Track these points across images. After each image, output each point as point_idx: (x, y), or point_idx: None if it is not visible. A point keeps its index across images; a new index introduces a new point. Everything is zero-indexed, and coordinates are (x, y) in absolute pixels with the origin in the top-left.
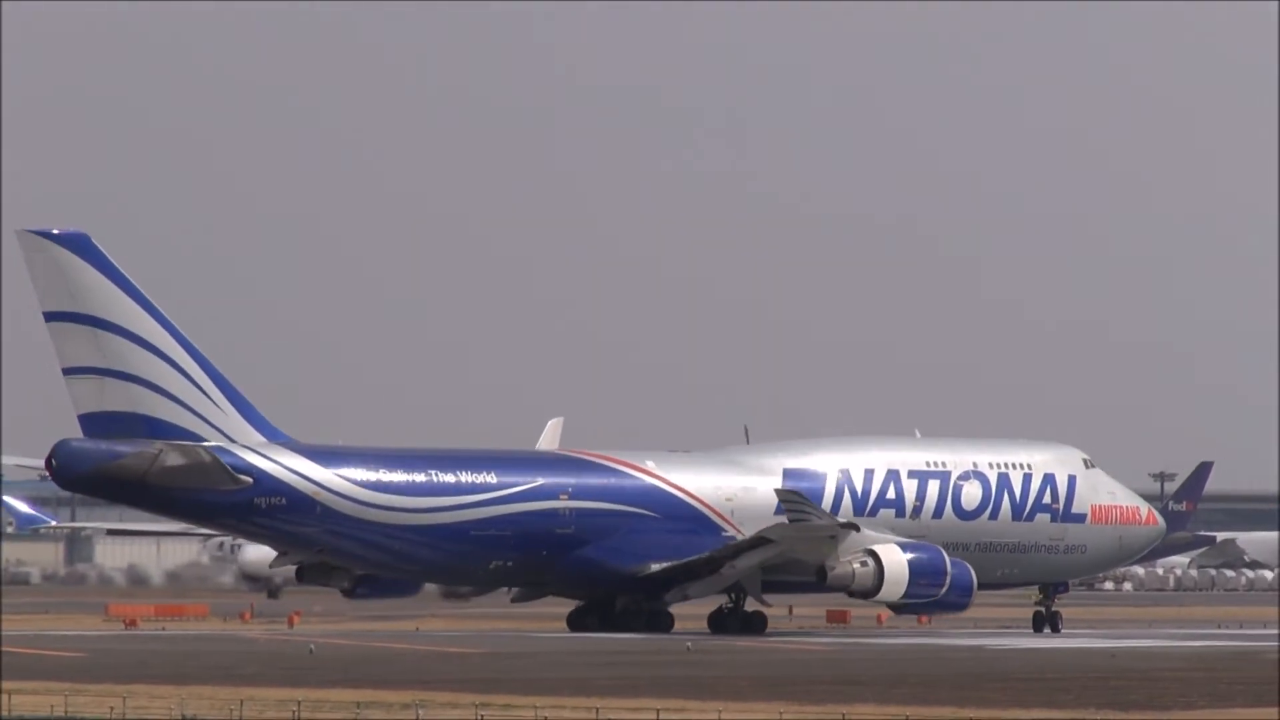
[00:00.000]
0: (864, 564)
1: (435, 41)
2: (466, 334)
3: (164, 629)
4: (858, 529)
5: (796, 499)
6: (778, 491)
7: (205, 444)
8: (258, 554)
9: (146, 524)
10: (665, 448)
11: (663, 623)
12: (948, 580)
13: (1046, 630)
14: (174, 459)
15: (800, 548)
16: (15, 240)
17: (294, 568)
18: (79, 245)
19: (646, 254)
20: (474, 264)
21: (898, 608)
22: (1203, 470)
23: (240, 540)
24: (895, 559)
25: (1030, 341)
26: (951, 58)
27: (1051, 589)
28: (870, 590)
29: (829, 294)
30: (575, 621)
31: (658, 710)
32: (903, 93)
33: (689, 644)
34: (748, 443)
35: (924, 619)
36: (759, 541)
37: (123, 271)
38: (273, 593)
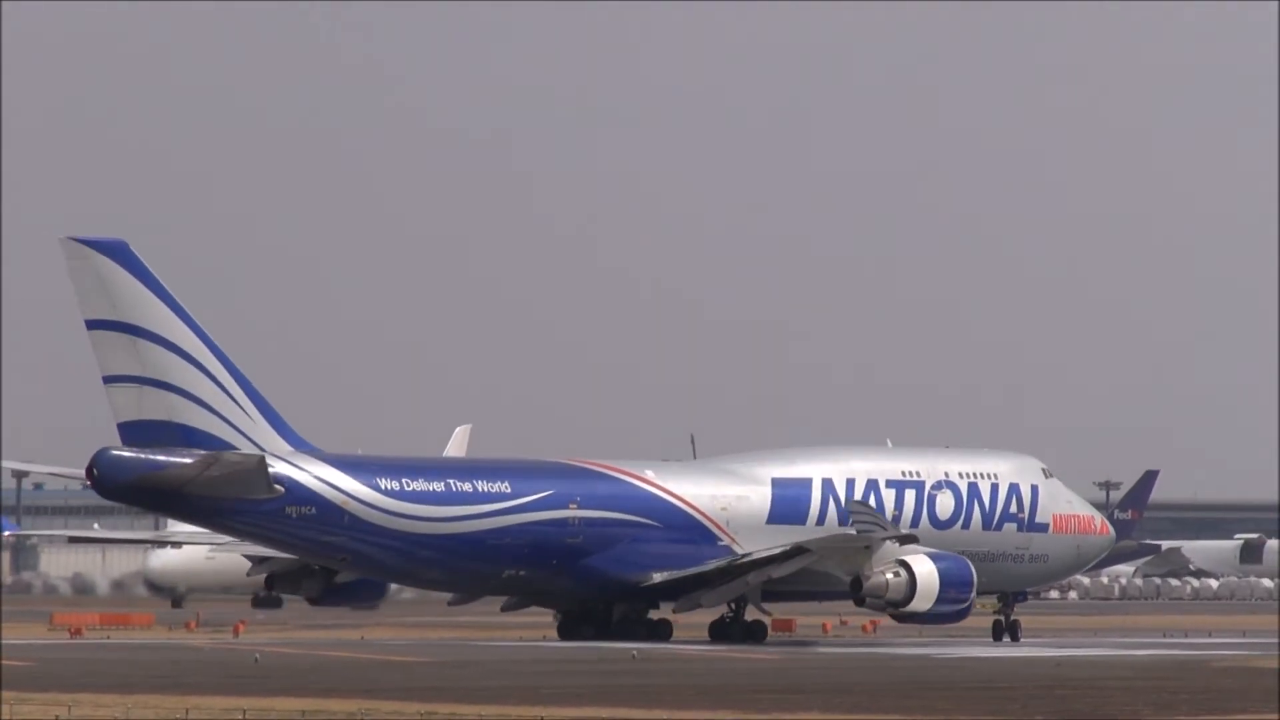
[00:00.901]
0: (896, 574)
1: (487, 50)
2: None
3: (109, 638)
4: (916, 540)
5: (865, 510)
6: (849, 502)
7: (257, 454)
8: (161, 562)
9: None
10: (609, 454)
11: (663, 632)
12: (974, 590)
13: (1006, 639)
14: (225, 468)
15: (836, 558)
16: (60, 248)
17: (263, 575)
18: (118, 253)
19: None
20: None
21: (915, 617)
22: (1148, 479)
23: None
24: (926, 569)
25: (973, 349)
26: (928, 68)
27: (1011, 598)
28: (902, 600)
29: (777, 300)
30: (566, 631)
31: (603, 718)
32: (880, 109)
33: (634, 652)
34: (694, 452)
35: (868, 627)
36: (796, 551)
37: (159, 279)
38: (176, 602)
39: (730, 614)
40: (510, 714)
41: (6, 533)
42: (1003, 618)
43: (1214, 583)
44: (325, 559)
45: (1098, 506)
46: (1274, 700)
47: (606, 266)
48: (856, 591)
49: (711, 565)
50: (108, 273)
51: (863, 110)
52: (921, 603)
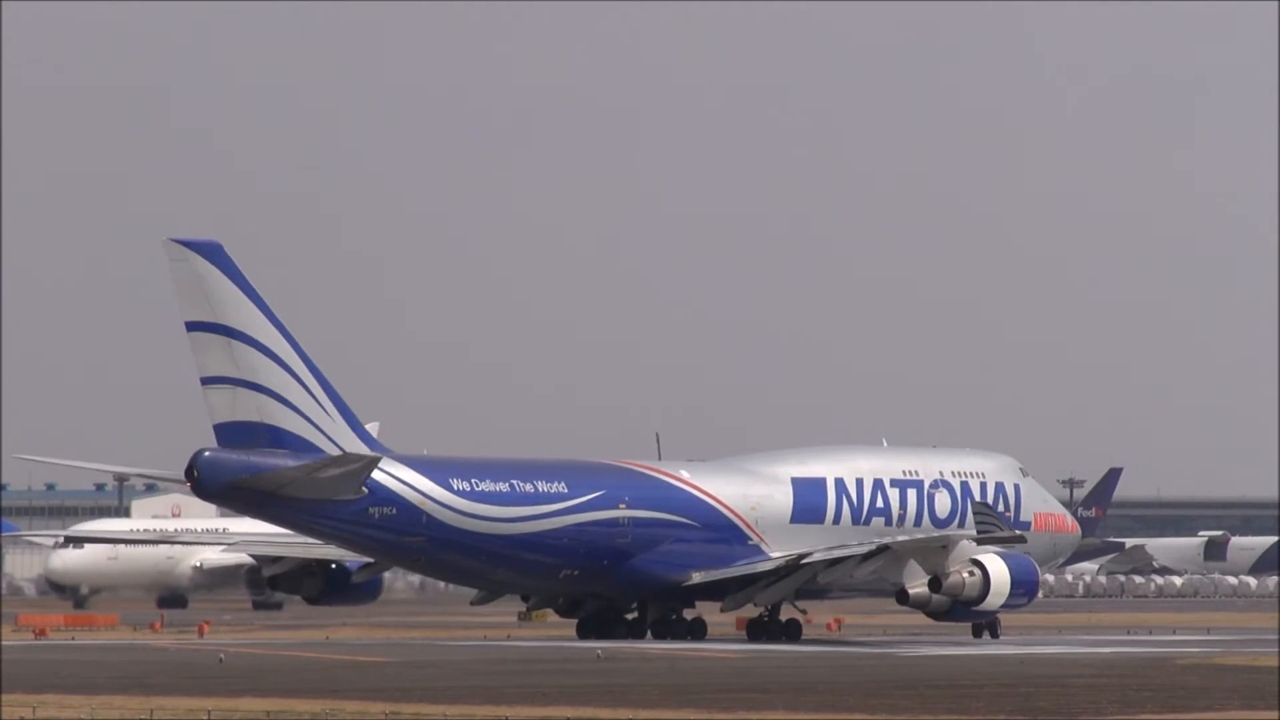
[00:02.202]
0: (971, 574)
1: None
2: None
3: (74, 639)
4: (1024, 540)
5: (987, 511)
6: (973, 504)
7: (371, 454)
8: (62, 562)
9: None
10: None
11: (699, 631)
12: (1039, 588)
13: (986, 636)
14: (340, 468)
15: (916, 557)
16: (162, 250)
17: (267, 575)
18: (214, 254)
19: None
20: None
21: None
22: (1112, 476)
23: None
24: (999, 568)
25: (937, 345)
26: (920, 68)
27: None
28: (976, 599)
29: (742, 295)
30: (584, 629)
31: (567, 717)
32: (873, 110)
33: (599, 652)
34: (659, 452)
35: (834, 623)
36: (880, 550)
37: (249, 280)
38: (79, 602)
39: (767, 613)
40: (474, 714)
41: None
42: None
43: (1178, 580)
44: (399, 559)
45: (1062, 504)
46: (1237, 698)
47: (586, 262)
48: (936, 591)
49: (764, 565)
50: (205, 274)
51: (853, 111)
52: (994, 600)
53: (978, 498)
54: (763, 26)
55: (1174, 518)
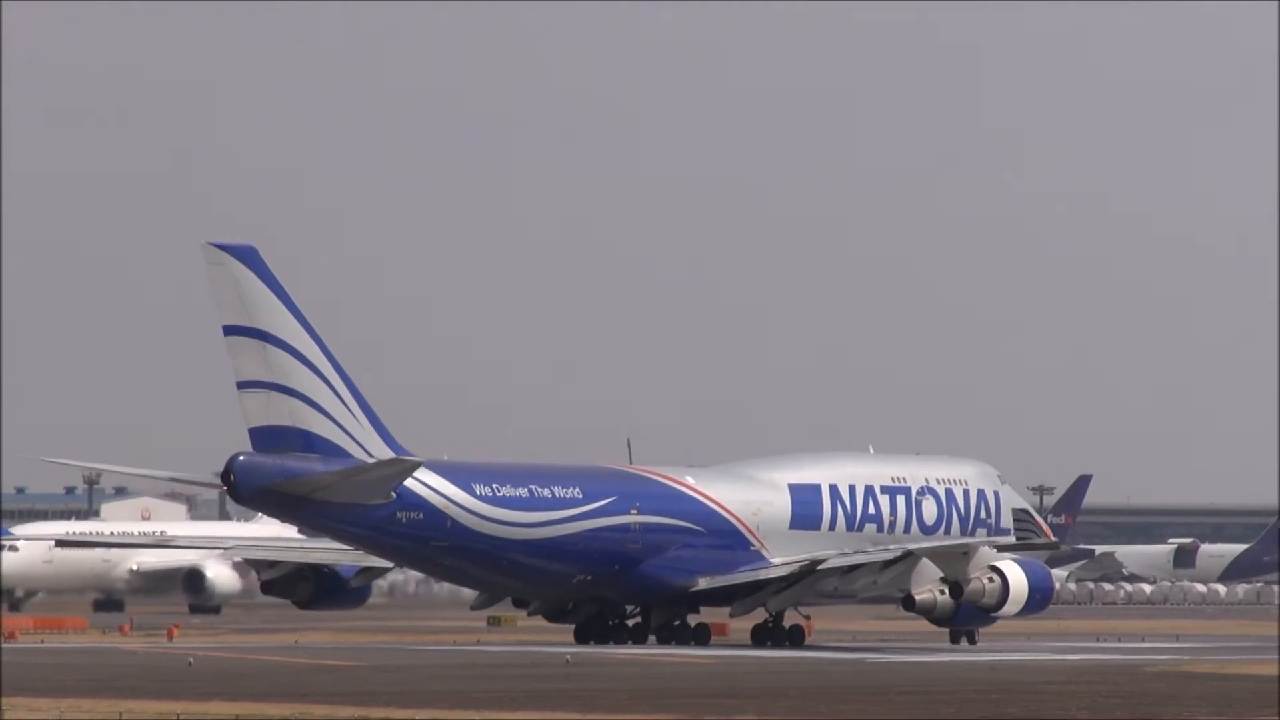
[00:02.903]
0: (991, 580)
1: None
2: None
3: (43, 641)
4: (1058, 548)
5: (1027, 517)
6: (1014, 511)
7: (412, 459)
8: None
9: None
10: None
11: (703, 636)
12: (1054, 594)
13: (964, 642)
14: (381, 474)
15: (939, 563)
16: (200, 254)
17: (263, 579)
18: (249, 258)
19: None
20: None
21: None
22: (1081, 483)
23: None
24: (1017, 575)
25: (913, 351)
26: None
27: None
28: (995, 606)
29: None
30: (582, 634)
31: None
32: (859, 114)
33: (568, 656)
34: (630, 457)
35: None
36: (904, 556)
37: (282, 284)
38: (14, 605)
39: (771, 619)
40: (442, 718)
41: None
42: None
43: (1147, 587)
44: (422, 563)
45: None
46: (1205, 706)
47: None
48: (957, 598)
49: (778, 570)
50: (241, 278)
51: (841, 115)
52: (1012, 606)
53: (961, 505)
54: (751, 27)
55: (1143, 525)
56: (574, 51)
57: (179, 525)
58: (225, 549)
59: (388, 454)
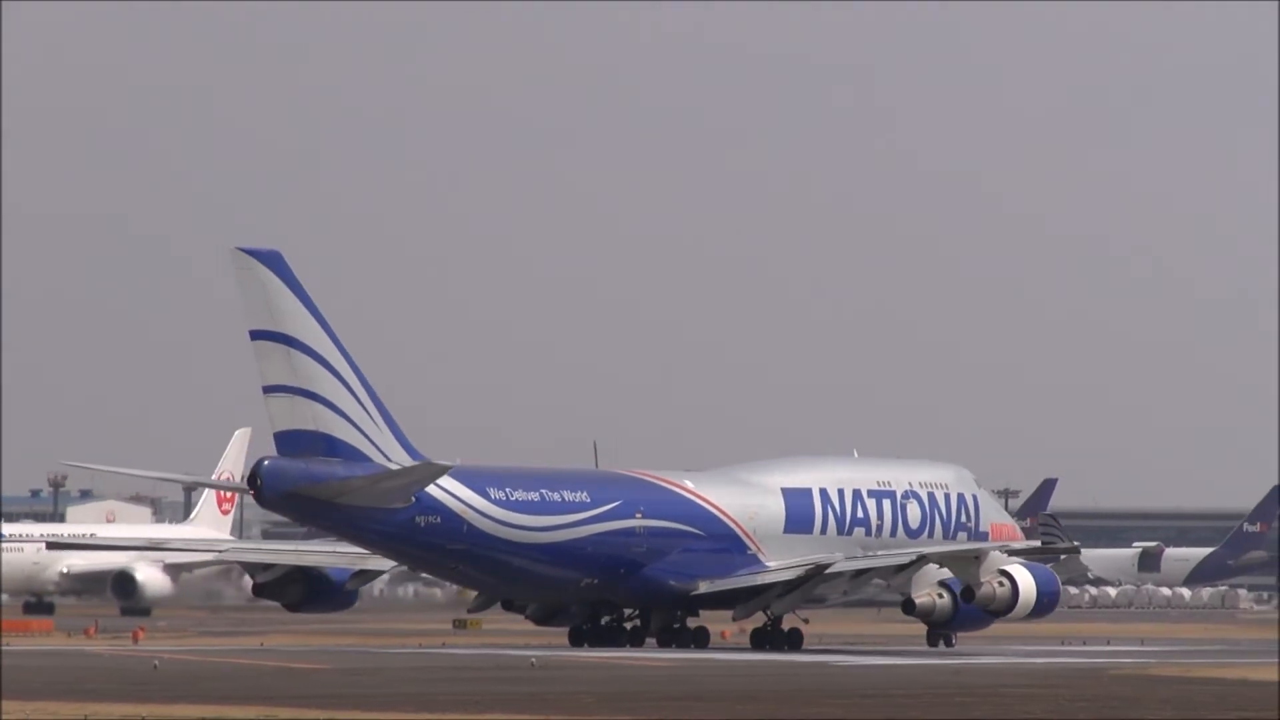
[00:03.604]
0: (1001, 584)
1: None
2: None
3: (9, 644)
4: (1079, 551)
5: (1051, 522)
6: (1041, 516)
7: (441, 464)
8: None
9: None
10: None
11: (702, 639)
12: (1060, 598)
13: (942, 645)
14: (410, 479)
15: (952, 567)
16: (230, 258)
17: (251, 583)
18: (274, 263)
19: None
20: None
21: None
22: (1046, 487)
23: None
24: (1025, 579)
25: (872, 354)
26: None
27: None
28: (1004, 609)
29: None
30: (577, 637)
31: None
32: (838, 124)
33: (533, 659)
34: (596, 460)
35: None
36: (919, 560)
37: (305, 289)
38: None
39: (770, 622)
40: None
41: None
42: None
43: (1112, 591)
44: (438, 567)
45: None
46: (1168, 709)
47: (537, 273)
48: (968, 601)
49: (785, 574)
50: (267, 282)
51: (819, 126)
52: (1021, 610)
53: (942, 508)
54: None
55: (1108, 529)
56: (591, 51)
57: (107, 528)
58: (219, 551)
59: (405, 459)
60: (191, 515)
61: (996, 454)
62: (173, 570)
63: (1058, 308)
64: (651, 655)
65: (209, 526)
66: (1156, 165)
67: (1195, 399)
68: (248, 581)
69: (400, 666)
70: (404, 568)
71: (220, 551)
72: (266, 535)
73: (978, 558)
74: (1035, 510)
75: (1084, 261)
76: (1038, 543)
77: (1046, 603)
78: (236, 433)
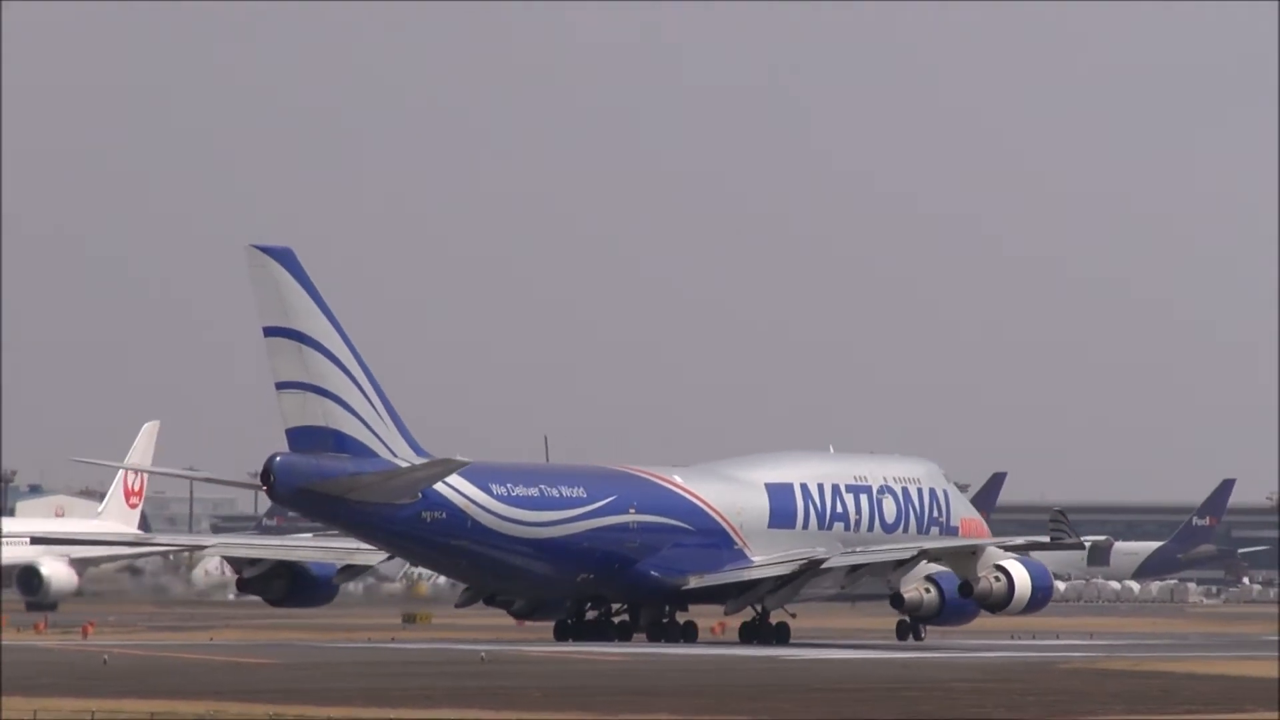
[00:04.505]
0: (998, 579)
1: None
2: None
3: None
4: (1085, 548)
5: (1061, 518)
6: (1050, 511)
7: (458, 459)
8: None
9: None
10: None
11: (690, 634)
12: (1053, 592)
13: (911, 638)
14: (425, 474)
15: (950, 562)
16: (244, 256)
17: (234, 576)
18: (287, 260)
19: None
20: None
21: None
22: (995, 481)
23: None
24: (1021, 574)
25: (820, 348)
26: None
27: None
28: (1000, 604)
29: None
30: (561, 631)
31: (450, 719)
32: (845, 114)
33: (483, 654)
34: (546, 455)
35: (718, 626)
36: (920, 555)
37: (316, 286)
38: None
39: (758, 616)
40: (358, 715)
41: None
42: (907, 618)
43: (1061, 585)
44: (441, 563)
45: None
46: (1118, 703)
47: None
48: (967, 596)
49: (776, 569)
50: (281, 280)
51: (827, 114)
52: (1017, 604)
53: (916, 503)
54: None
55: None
56: (592, 57)
57: (81, 524)
58: (209, 545)
59: (411, 455)
60: (99, 509)
61: (947, 449)
62: (79, 564)
63: (1008, 303)
64: (603, 650)
65: (117, 520)
66: (1202, 155)
67: (1146, 393)
68: (198, 574)
69: (349, 661)
70: (399, 560)
71: (209, 545)
72: (216, 529)
73: (974, 553)
74: (986, 504)
75: (1039, 274)
76: (1043, 538)
77: (1040, 597)
78: (145, 425)
